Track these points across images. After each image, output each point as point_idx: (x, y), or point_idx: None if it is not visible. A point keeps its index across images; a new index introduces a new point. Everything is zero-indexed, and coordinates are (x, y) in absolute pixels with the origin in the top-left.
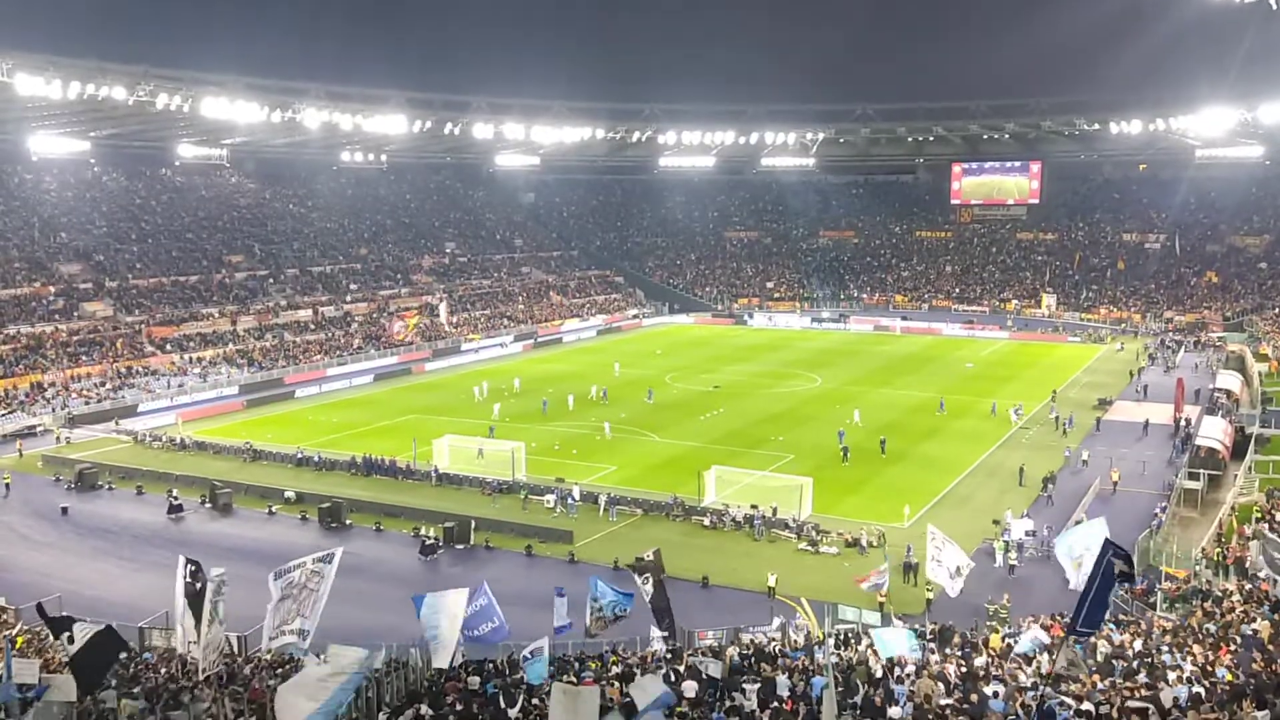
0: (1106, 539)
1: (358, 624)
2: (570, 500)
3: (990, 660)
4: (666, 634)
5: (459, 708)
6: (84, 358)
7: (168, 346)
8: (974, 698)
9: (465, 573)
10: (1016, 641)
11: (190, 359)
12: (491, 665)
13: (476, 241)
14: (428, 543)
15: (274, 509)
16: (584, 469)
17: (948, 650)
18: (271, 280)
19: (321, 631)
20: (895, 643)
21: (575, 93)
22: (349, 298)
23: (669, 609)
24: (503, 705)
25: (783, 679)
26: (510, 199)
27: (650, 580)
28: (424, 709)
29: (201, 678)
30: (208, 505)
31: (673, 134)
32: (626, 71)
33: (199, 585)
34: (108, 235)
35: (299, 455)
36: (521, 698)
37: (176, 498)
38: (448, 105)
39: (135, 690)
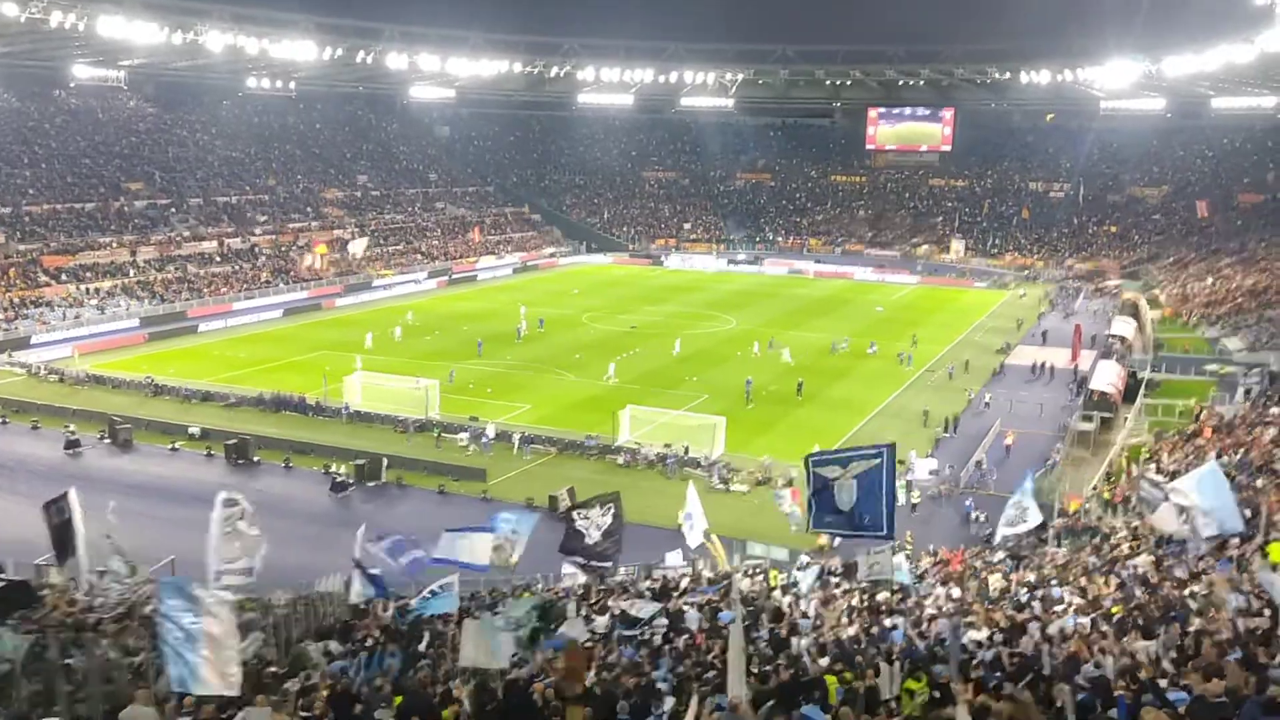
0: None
1: (269, 560)
2: (485, 439)
3: (892, 594)
4: (609, 565)
5: (369, 642)
6: None
7: (63, 276)
8: (875, 629)
9: (377, 510)
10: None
11: (87, 290)
12: (403, 600)
13: (390, 175)
14: (338, 480)
15: (177, 445)
16: (499, 408)
17: (850, 585)
18: (174, 210)
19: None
20: (800, 578)
21: (493, 24)
22: (256, 230)
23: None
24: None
25: (691, 613)
26: (425, 132)
27: (611, 511)
28: (332, 644)
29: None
30: (107, 441)
31: (592, 70)
32: (546, 3)
33: (65, 517)
34: None
35: (206, 391)
36: (429, 630)
37: (74, 433)
38: (359, 32)
39: (31, 630)
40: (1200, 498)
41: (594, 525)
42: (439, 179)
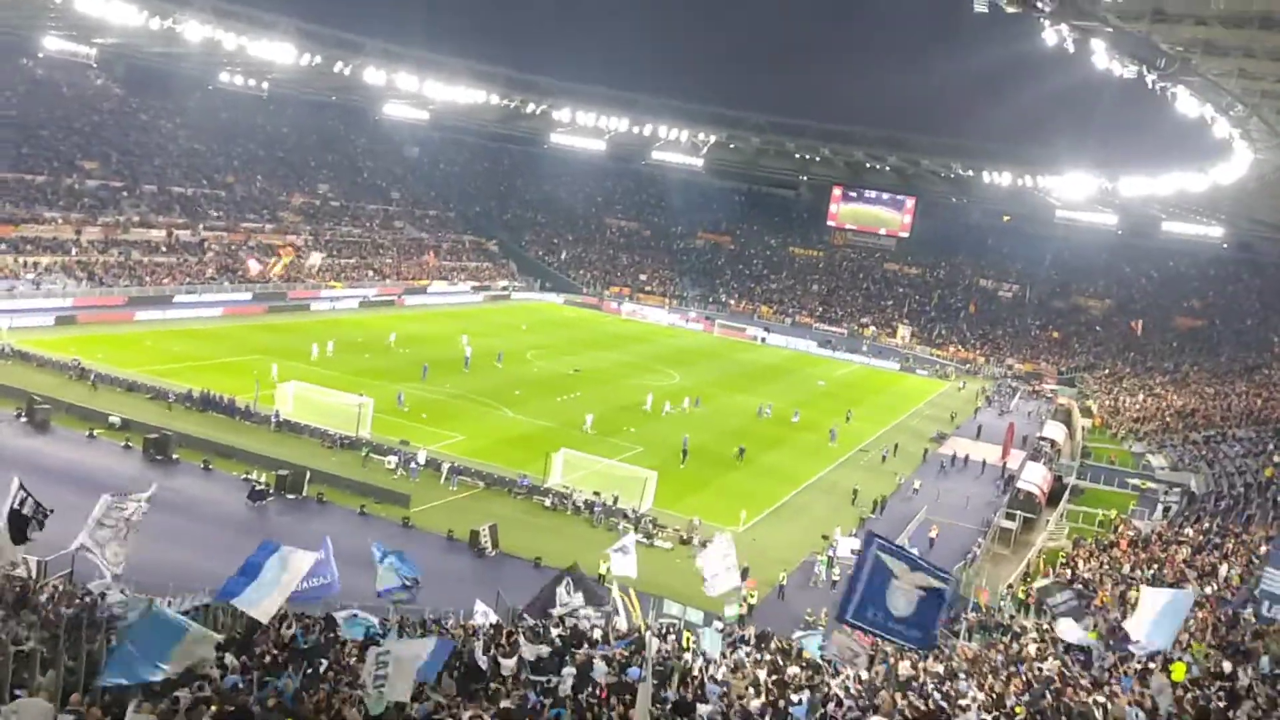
0: (871, 534)
1: (175, 563)
2: (414, 464)
3: (802, 670)
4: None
5: (267, 660)
6: None
7: (3, 246)
8: (781, 703)
9: (294, 524)
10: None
11: (25, 263)
12: (308, 620)
13: (352, 187)
14: (258, 488)
15: (95, 432)
16: (431, 434)
17: (762, 656)
18: (126, 194)
19: (137, 568)
20: (711, 643)
21: (476, 53)
22: (208, 225)
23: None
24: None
25: (600, 665)
26: (393, 150)
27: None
28: (229, 657)
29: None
30: (22, 419)
31: (568, 112)
32: (529, 41)
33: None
34: None
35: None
36: (333, 653)
37: None
38: (341, 43)
39: None
40: (1158, 611)
41: (565, 604)
42: (401, 198)
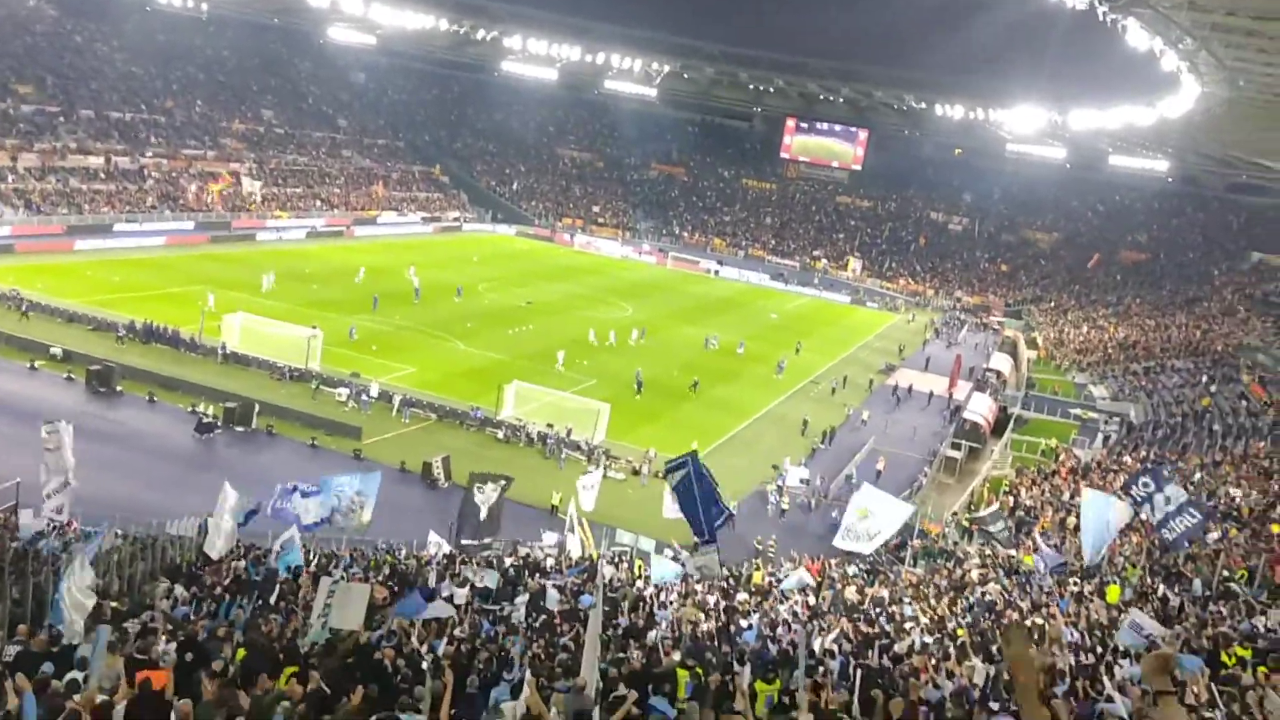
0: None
1: (120, 495)
2: (365, 396)
3: (751, 595)
4: (489, 539)
5: (217, 590)
6: None
7: None
8: (731, 628)
9: (242, 456)
10: (780, 580)
11: None
12: (258, 552)
13: (296, 114)
14: (205, 420)
15: (36, 364)
16: (382, 367)
17: (713, 582)
18: (62, 119)
19: (82, 499)
20: (662, 570)
21: None
22: (148, 151)
23: (478, 518)
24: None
25: (553, 593)
26: (339, 75)
27: (497, 492)
28: (178, 588)
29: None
30: None
31: (519, 39)
32: None
33: None
34: None
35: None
36: (284, 584)
37: None
38: None
39: None
40: (1092, 519)
41: (486, 503)
42: (349, 126)
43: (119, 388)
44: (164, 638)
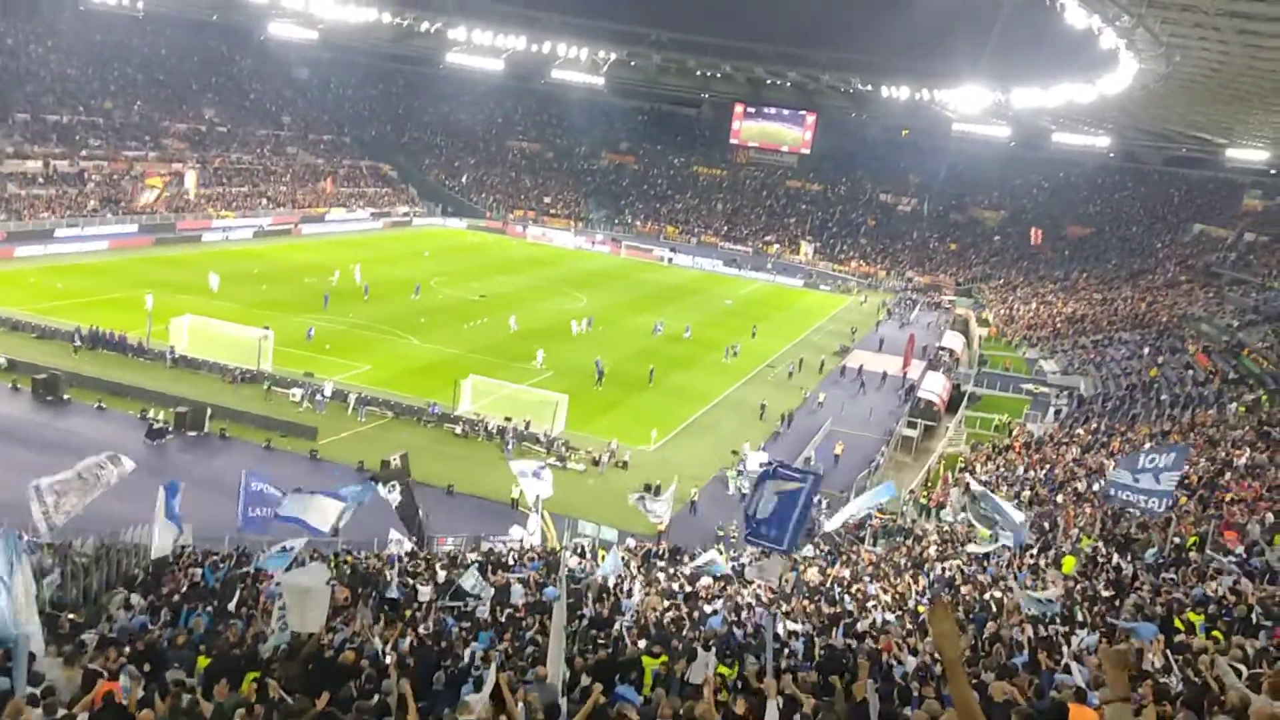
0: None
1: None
2: (319, 396)
3: (715, 580)
4: (415, 539)
5: (175, 599)
6: None
7: None
8: (695, 614)
9: (196, 461)
10: (743, 566)
11: None
12: (215, 557)
13: (239, 112)
14: (155, 426)
15: None
16: (336, 365)
17: (675, 570)
18: None
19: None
20: (611, 564)
21: None
22: (87, 154)
23: (416, 515)
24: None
25: (517, 587)
26: (282, 72)
27: (397, 488)
28: (134, 597)
29: None
30: None
31: (463, 30)
32: None
33: None
34: None
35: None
36: (244, 590)
37: None
38: None
39: None
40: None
41: (394, 503)
42: (293, 123)
43: (66, 396)
44: (126, 649)
